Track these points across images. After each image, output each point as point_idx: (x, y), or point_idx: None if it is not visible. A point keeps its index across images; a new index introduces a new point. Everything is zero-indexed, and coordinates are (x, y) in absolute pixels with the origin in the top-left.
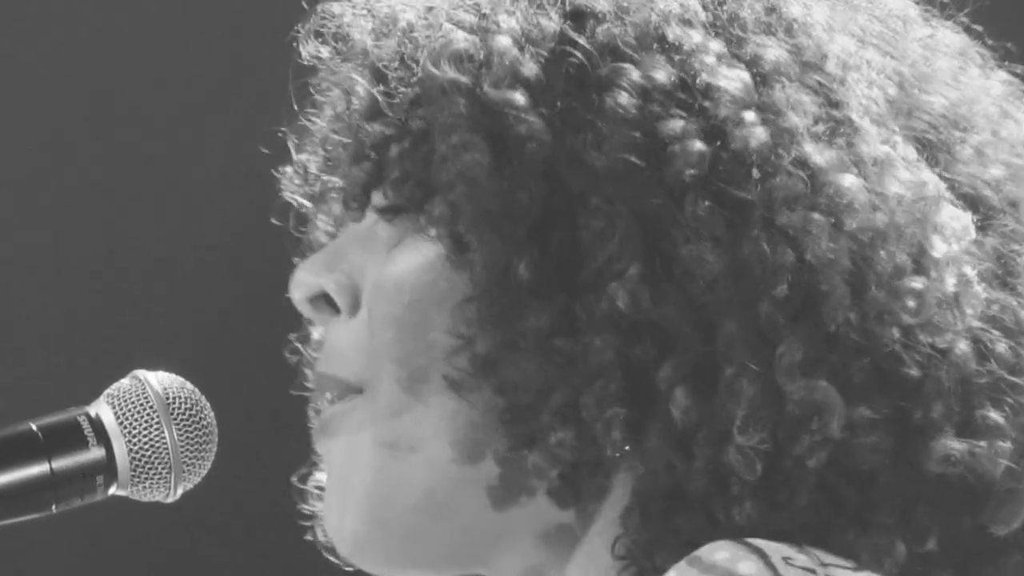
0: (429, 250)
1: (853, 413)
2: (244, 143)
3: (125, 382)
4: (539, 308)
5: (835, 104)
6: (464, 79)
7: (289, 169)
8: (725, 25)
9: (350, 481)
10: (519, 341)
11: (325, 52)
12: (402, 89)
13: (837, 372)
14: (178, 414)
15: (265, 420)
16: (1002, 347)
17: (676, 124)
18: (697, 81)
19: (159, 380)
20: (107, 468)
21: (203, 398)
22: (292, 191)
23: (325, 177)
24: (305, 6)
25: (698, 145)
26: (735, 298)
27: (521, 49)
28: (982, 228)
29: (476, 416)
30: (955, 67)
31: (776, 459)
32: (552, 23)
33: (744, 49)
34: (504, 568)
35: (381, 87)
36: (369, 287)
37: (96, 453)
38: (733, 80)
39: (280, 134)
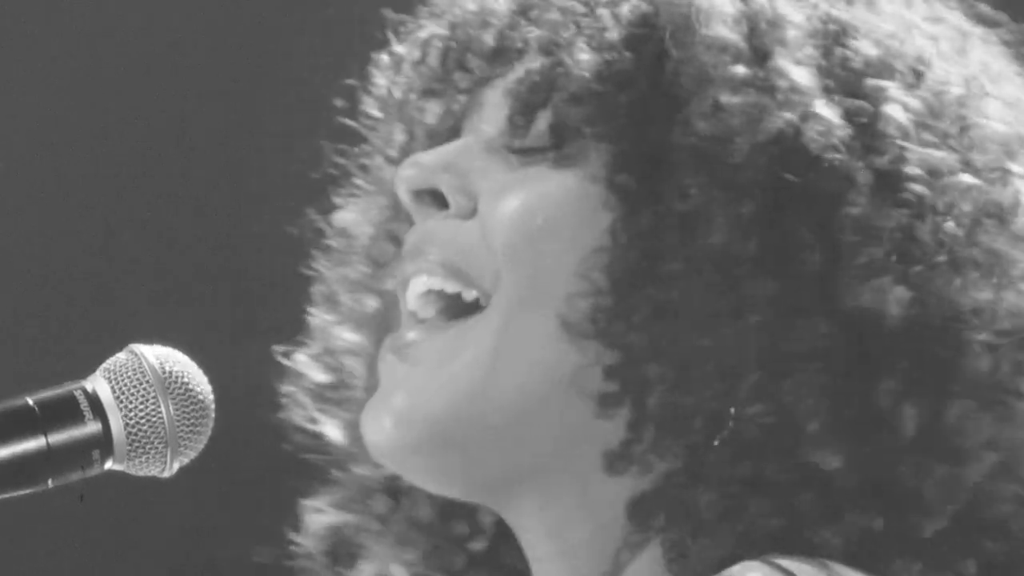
0: (571, 184)
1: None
2: (243, 129)
3: (121, 356)
4: (758, 281)
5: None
6: (743, 43)
7: (382, 60)
8: (962, 74)
9: (424, 388)
10: (727, 308)
11: None
12: (622, 23)
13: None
14: (174, 388)
15: (263, 393)
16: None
17: (949, 155)
18: (964, 122)
19: (156, 354)
20: (103, 442)
21: (200, 372)
22: (385, 82)
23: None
24: None
25: (972, 180)
26: (984, 337)
27: (806, 36)
28: None
29: (570, 363)
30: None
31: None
32: (817, 21)
33: (991, 100)
34: (525, 514)
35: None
36: (493, 199)
37: (92, 427)
38: (1001, 128)
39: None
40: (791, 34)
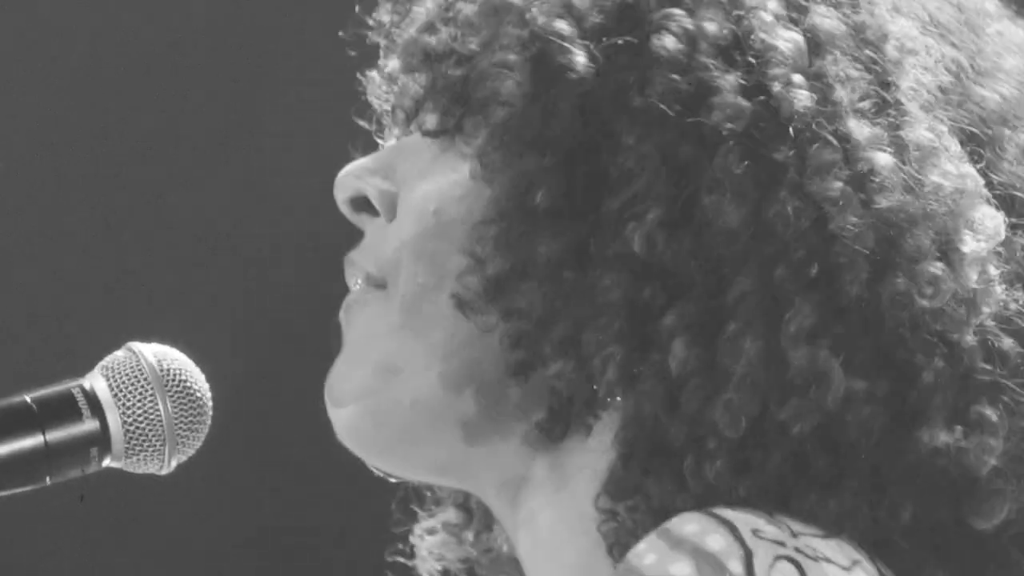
0: (461, 168)
1: (850, 385)
2: (246, 125)
3: (119, 354)
4: (552, 237)
5: (886, 84)
6: (519, 3)
7: (376, 76)
8: None
9: (352, 366)
10: (528, 267)
11: None
12: (460, 5)
13: (841, 344)
14: (172, 386)
15: (261, 391)
16: (1008, 346)
17: (720, 77)
18: (751, 37)
19: (153, 352)
20: (101, 440)
21: (197, 370)
22: (377, 97)
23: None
24: None
25: (740, 100)
26: (752, 256)
27: None
28: (1013, 228)
29: (475, 340)
30: (1020, 64)
31: (760, 421)
32: None
33: (803, 15)
34: (485, 485)
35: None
36: (405, 193)
37: (90, 425)
38: (787, 42)
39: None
40: None
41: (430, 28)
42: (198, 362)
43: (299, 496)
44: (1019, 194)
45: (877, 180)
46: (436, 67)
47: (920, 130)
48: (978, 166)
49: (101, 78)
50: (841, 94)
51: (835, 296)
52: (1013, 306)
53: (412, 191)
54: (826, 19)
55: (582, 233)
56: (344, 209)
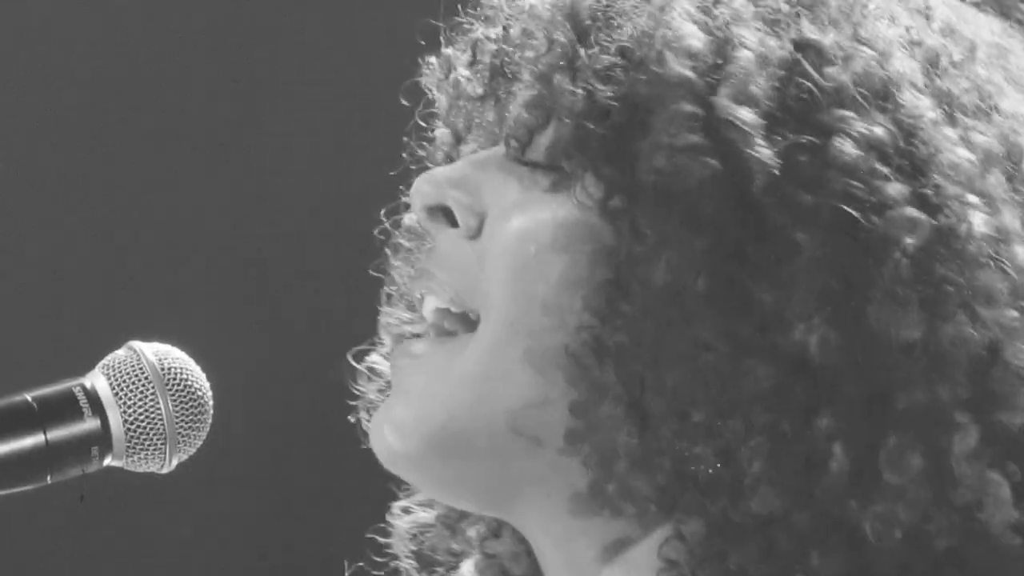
0: (570, 213)
1: (1016, 514)
2: (244, 124)
3: (120, 353)
4: (707, 321)
5: None
6: (697, 79)
7: (435, 62)
8: (941, 97)
9: (421, 402)
10: (678, 347)
11: None
12: (603, 55)
13: (1008, 470)
14: (173, 385)
15: (262, 389)
16: None
17: (900, 187)
18: (928, 150)
19: (154, 351)
20: (102, 438)
21: (198, 369)
22: (433, 84)
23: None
24: None
25: (918, 214)
26: (920, 372)
27: (761, 65)
28: None
29: (581, 404)
30: None
31: (911, 535)
32: (784, 50)
33: (964, 129)
34: (529, 526)
35: (580, 42)
36: (497, 219)
37: (91, 424)
38: (963, 160)
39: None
40: (741, 65)
41: (563, 66)
42: (199, 361)
43: (300, 494)
44: None
45: None
46: (576, 111)
47: None
48: None
49: (101, 79)
50: (1007, 217)
51: (999, 422)
52: None
53: (506, 220)
54: (982, 135)
55: (737, 323)
56: (420, 216)
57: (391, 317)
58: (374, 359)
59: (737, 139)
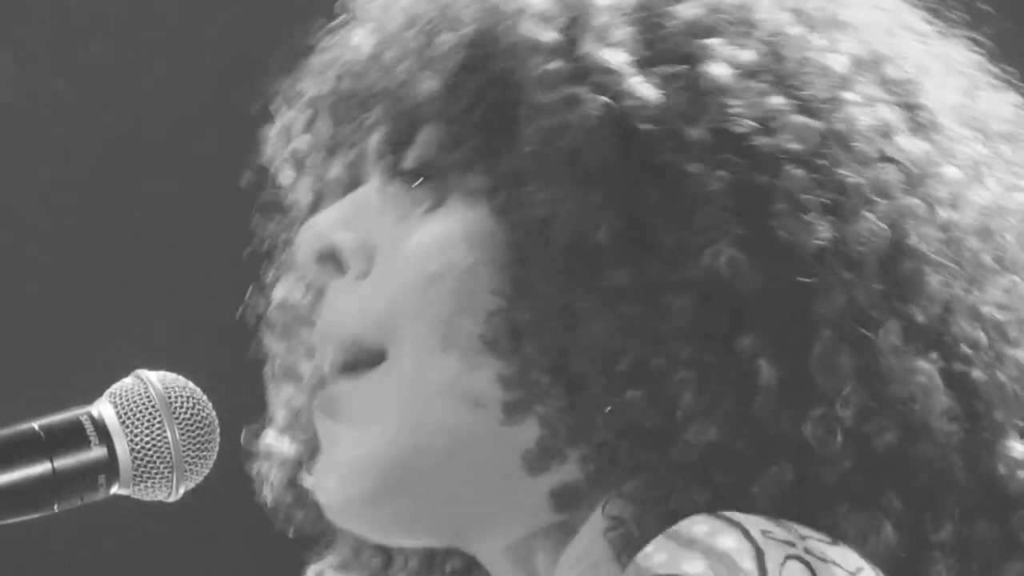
0: (467, 214)
1: (946, 402)
2: (248, 139)
3: (127, 381)
4: (615, 270)
5: (911, 105)
6: (558, 36)
7: (273, 129)
8: (798, 15)
9: (360, 441)
10: (590, 302)
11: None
12: (456, 46)
13: (931, 357)
14: (180, 413)
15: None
16: None
17: (779, 99)
18: (800, 61)
19: (161, 379)
20: (109, 467)
21: (204, 397)
22: (275, 151)
23: (326, 138)
24: None
25: (804, 120)
26: (834, 275)
27: (617, 13)
28: None
29: (513, 376)
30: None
31: (850, 435)
32: None
33: (824, 39)
34: (489, 549)
35: (428, 45)
36: (387, 250)
37: (98, 452)
38: (835, 63)
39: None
40: (600, 17)
41: (411, 72)
42: (205, 390)
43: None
44: None
45: (945, 193)
46: (424, 112)
47: (967, 147)
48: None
49: (113, 95)
50: (887, 112)
51: (920, 311)
52: None
53: (397, 250)
54: (849, 43)
55: (645, 264)
56: (308, 263)
57: (279, 396)
58: (269, 438)
59: (611, 82)
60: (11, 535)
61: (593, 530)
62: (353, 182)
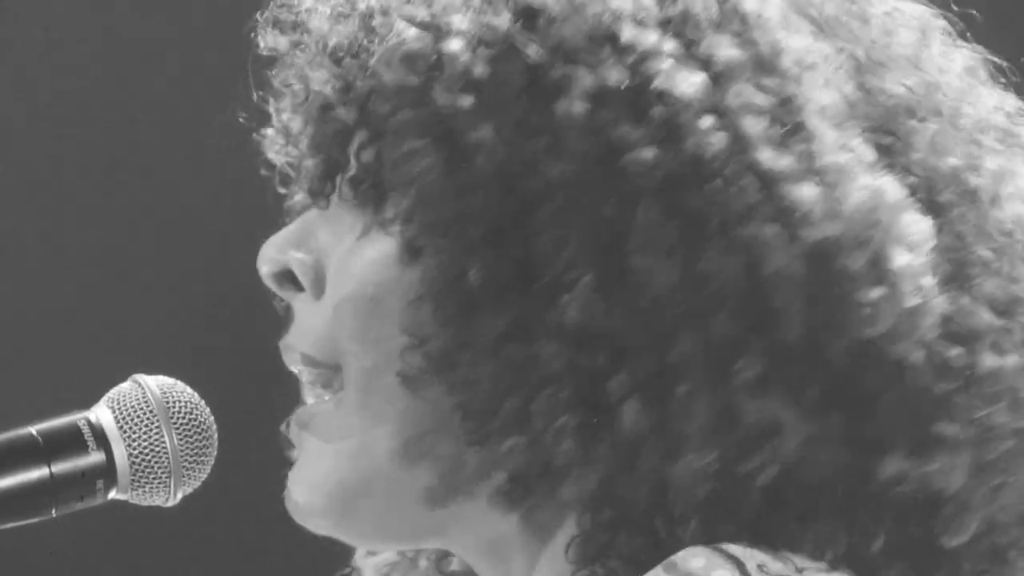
0: (387, 245)
1: (806, 430)
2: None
3: (125, 386)
4: (491, 313)
5: (791, 107)
6: (415, 81)
7: (271, 131)
8: (678, 21)
9: (317, 458)
10: (472, 344)
11: (283, 41)
12: (358, 81)
13: (792, 387)
14: (178, 418)
15: (265, 424)
16: (955, 355)
17: (629, 130)
18: (653, 84)
19: (159, 384)
20: (107, 472)
21: (203, 402)
22: (276, 152)
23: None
24: None
25: (652, 152)
26: (688, 311)
27: (473, 51)
28: (940, 228)
29: (427, 413)
30: (915, 44)
31: (724, 476)
32: (503, 22)
33: (698, 48)
34: (466, 547)
35: (336, 76)
36: (333, 272)
37: (96, 457)
38: (690, 85)
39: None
40: (452, 53)
41: (330, 103)
42: (203, 394)
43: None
44: (936, 186)
45: (801, 214)
46: (340, 145)
47: (833, 150)
48: (893, 165)
49: (105, 96)
50: (750, 126)
51: (778, 340)
52: (950, 308)
53: (342, 268)
54: (721, 48)
55: (519, 305)
56: (269, 283)
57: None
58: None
59: (461, 127)
60: (9, 538)
61: (559, 548)
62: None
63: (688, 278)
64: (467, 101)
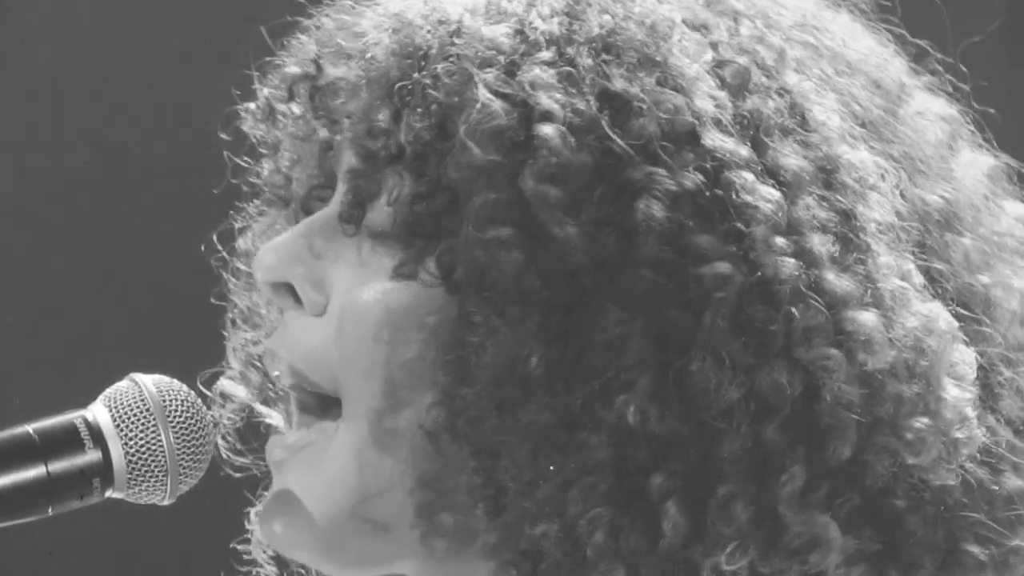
0: (419, 293)
1: (846, 545)
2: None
3: (122, 385)
4: (543, 399)
5: (853, 226)
6: (500, 160)
7: (253, 106)
8: (751, 123)
9: (307, 488)
10: (515, 426)
11: (341, 69)
12: (416, 123)
13: (831, 502)
14: (174, 417)
15: (259, 422)
16: (982, 476)
17: (706, 240)
18: (732, 197)
19: (155, 383)
20: (103, 471)
21: (199, 401)
22: (252, 128)
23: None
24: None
25: (727, 267)
26: (742, 421)
27: (563, 138)
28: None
29: (441, 466)
30: (946, 149)
31: None
32: (588, 107)
33: (768, 154)
34: None
35: (392, 113)
36: (342, 298)
37: (92, 456)
38: (767, 201)
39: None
40: (544, 138)
41: (380, 132)
42: (200, 393)
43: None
44: (968, 304)
45: (862, 339)
46: (384, 180)
47: (891, 277)
48: (942, 296)
49: (101, 82)
50: (817, 245)
51: (825, 458)
52: (979, 433)
53: (351, 296)
54: (790, 158)
55: (571, 397)
56: (264, 290)
57: (236, 340)
58: (224, 384)
59: (547, 220)
60: (6, 536)
61: None
62: (315, 173)
63: (746, 391)
64: (554, 192)
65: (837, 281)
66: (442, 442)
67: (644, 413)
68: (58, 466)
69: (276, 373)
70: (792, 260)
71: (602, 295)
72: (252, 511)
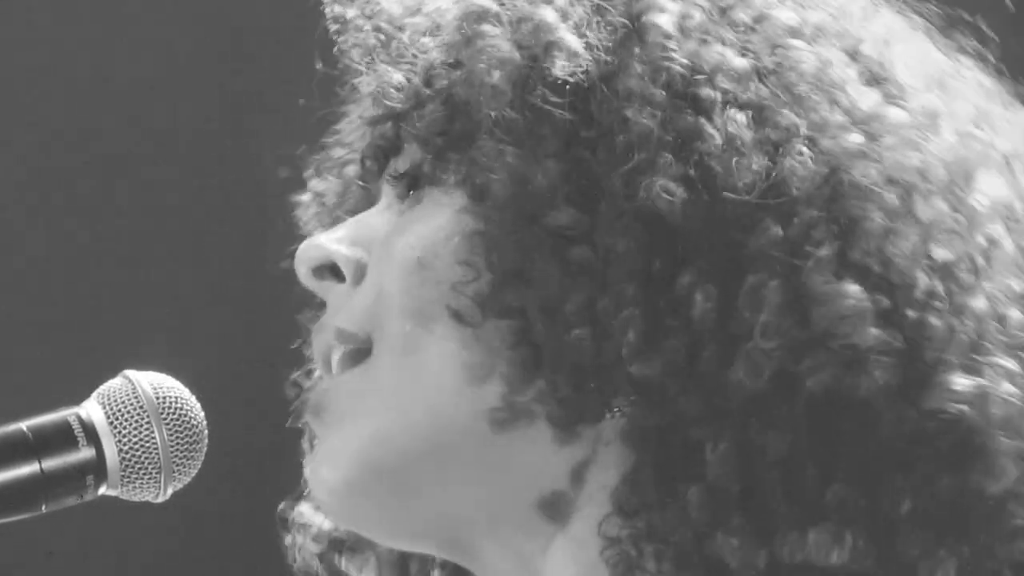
0: (444, 212)
1: (877, 332)
2: (243, 140)
3: (116, 382)
4: (557, 211)
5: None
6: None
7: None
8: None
9: (347, 429)
10: (540, 248)
11: (351, 12)
12: (422, 55)
13: (864, 294)
14: (168, 414)
15: (256, 421)
16: (1015, 315)
17: (715, 45)
18: (754, 12)
19: (149, 380)
20: (97, 468)
21: (193, 399)
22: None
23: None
24: None
25: (743, 63)
26: (767, 210)
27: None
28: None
29: (482, 342)
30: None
31: (778, 379)
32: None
33: None
34: (491, 556)
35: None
36: (378, 258)
37: (86, 453)
38: (787, 13)
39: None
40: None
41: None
42: (194, 390)
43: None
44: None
45: (885, 125)
46: (410, 116)
47: (915, 96)
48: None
49: (97, 79)
50: (835, 56)
51: (852, 246)
52: (1018, 286)
53: (388, 249)
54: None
55: (589, 209)
56: (306, 279)
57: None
58: (304, 510)
59: (538, 38)
60: (5, 536)
61: (585, 535)
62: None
63: (769, 179)
64: (550, 13)
65: (860, 88)
66: (470, 318)
67: (669, 191)
68: (52, 463)
69: (319, 352)
70: (809, 55)
71: (611, 104)
72: (305, 466)
